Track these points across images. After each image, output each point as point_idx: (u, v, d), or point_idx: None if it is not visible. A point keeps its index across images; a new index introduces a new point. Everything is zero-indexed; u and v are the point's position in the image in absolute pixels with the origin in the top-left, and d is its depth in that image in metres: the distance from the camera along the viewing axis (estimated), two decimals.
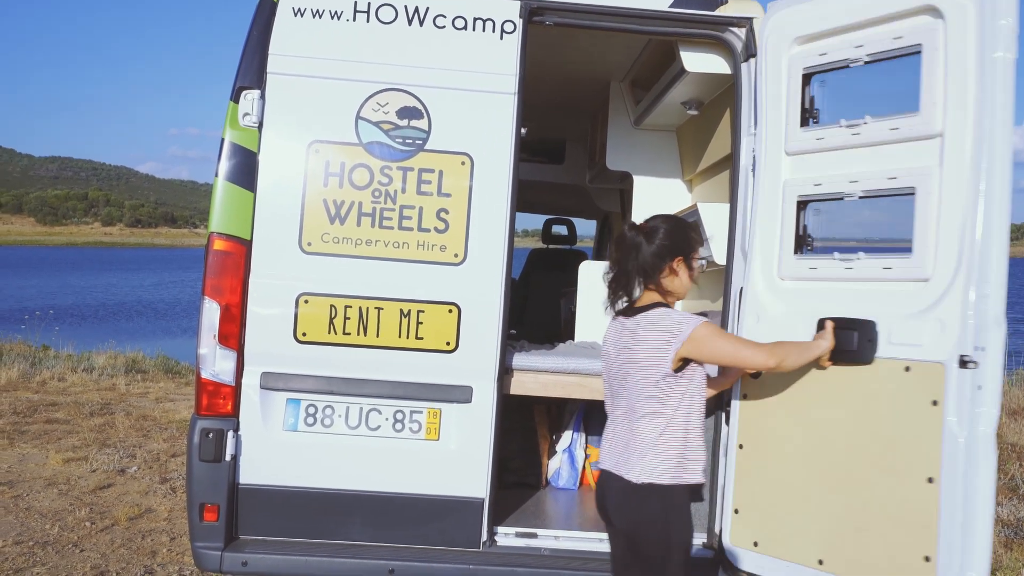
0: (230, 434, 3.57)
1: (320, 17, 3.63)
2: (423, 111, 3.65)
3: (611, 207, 7.50)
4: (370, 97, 3.63)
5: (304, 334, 3.60)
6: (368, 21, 3.65)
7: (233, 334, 3.57)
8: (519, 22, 3.69)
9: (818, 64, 3.37)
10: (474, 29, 3.67)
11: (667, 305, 3.08)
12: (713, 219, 4.21)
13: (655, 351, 2.96)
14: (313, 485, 3.64)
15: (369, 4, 3.66)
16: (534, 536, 3.84)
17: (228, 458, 3.56)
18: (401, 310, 3.62)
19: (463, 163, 3.65)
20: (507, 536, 3.80)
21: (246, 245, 3.58)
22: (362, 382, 3.65)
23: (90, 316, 31.86)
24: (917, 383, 3.00)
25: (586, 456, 5.02)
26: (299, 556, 3.57)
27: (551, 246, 8.37)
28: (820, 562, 3.21)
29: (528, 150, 6.58)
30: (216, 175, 3.60)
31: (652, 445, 2.95)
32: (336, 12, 3.64)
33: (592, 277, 5.53)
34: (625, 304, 3.11)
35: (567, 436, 4.98)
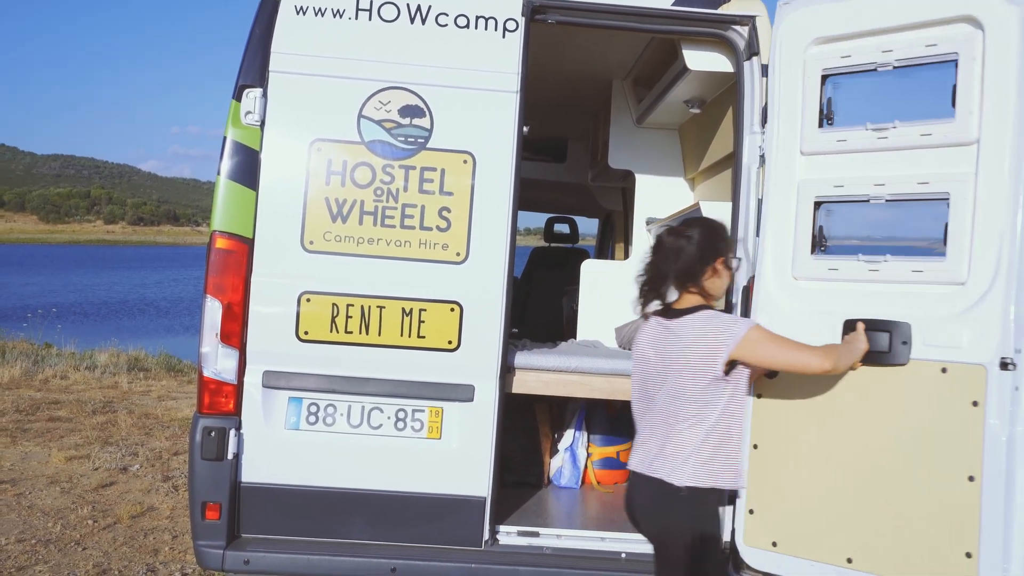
0: (232, 432, 3.57)
1: (322, 15, 3.63)
2: (425, 109, 3.64)
3: (613, 205, 7.50)
4: (372, 95, 3.63)
5: (306, 333, 3.60)
6: (370, 19, 3.65)
7: (235, 332, 3.57)
8: (521, 20, 3.68)
9: (840, 66, 3.37)
10: (476, 27, 3.67)
11: (711, 307, 3.06)
12: (715, 217, 4.20)
13: (705, 353, 2.93)
14: (315, 484, 3.64)
15: (371, 2, 3.65)
16: (536, 535, 3.84)
17: (230, 457, 3.56)
18: (403, 309, 3.62)
19: (465, 161, 3.65)
20: (509, 535, 3.80)
21: (248, 243, 3.58)
22: (364, 381, 3.65)
23: (92, 314, 31.89)
24: (956, 385, 3.07)
25: (588, 455, 5.02)
26: (301, 555, 3.57)
27: (553, 244, 8.37)
28: (849, 560, 3.23)
29: (530, 148, 6.58)
30: (218, 173, 3.60)
31: (696, 449, 2.93)
32: (338, 10, 3.63)
33: (594, 276, 5.53)
34: (658, 306, 3.10)
35: (569, 435, 4.98)
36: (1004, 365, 2.97)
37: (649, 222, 5.61)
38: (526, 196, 4.38)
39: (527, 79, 3.69)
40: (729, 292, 3.72)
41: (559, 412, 5.17)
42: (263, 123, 3.59)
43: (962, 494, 3.02)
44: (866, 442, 3.25)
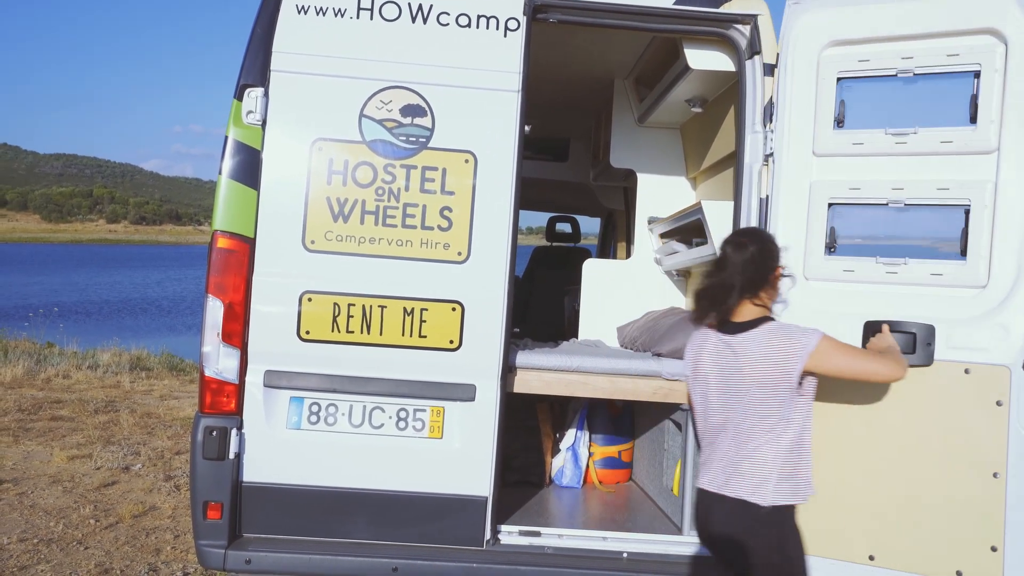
0: (234, 432, 3.57)
1: (324, 15, 3.63)
2: (427, 109, 3.64)
3: (615, 205, 7.50)
4: (374, 95, 3.63)
5: (307, 332, 3.60)
6: (372, 19, 3.65)
7: (237, 332, 3.56)
8: (523, 19, 3.68)
9: (857, 70, 3.41)
10: (478, 27, 3.66)
11: (771, 317, 3.03)
12: (717, 217, 4.20)
13: (779, 367, 2.89)
14: (316, 483, 3.64)
15: (373, 2, 3.65)
16: (537, 535, 3.83)
17: (232, 456, 3.56)
18: (404, 308, 3.62)
19: (467, 161, 3.64)
20: (510, 534, 3.80)
21: (250, 243, 3.58)
22: (365, 380, 3.65)
23: (95, 313, 31.92)
24: (980, 385, 3.19)
25: (590, 454, 5.02)
26: (302, 554, 3.57)
27: (555, 244, 8.37)
28: (871, 558, 3.26)
29: (532, 148, 6.59)
30: (220, 173, 3.60)
31: (778, 465, 2.89)
32: (340, 10, 3.63)
33: (596, 275, 5.53)
34: (715, 318, 3.04)
35: (571, 434, 4.98)
36: None
37: (651, 221, 5.61)
38: (528, 195, 4.38)
39: (528, 78, 3.68)
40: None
41: (561, 412, 5.17)
42: (264, 122, 3.59)
43: (987, 490, 3.15)
44: (889, 442, 3.30)
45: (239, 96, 3.58)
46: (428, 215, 3.64)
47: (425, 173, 3.64)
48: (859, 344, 3.34)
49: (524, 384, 4.03)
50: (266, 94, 3.58)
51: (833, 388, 3.31)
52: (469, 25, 3.66)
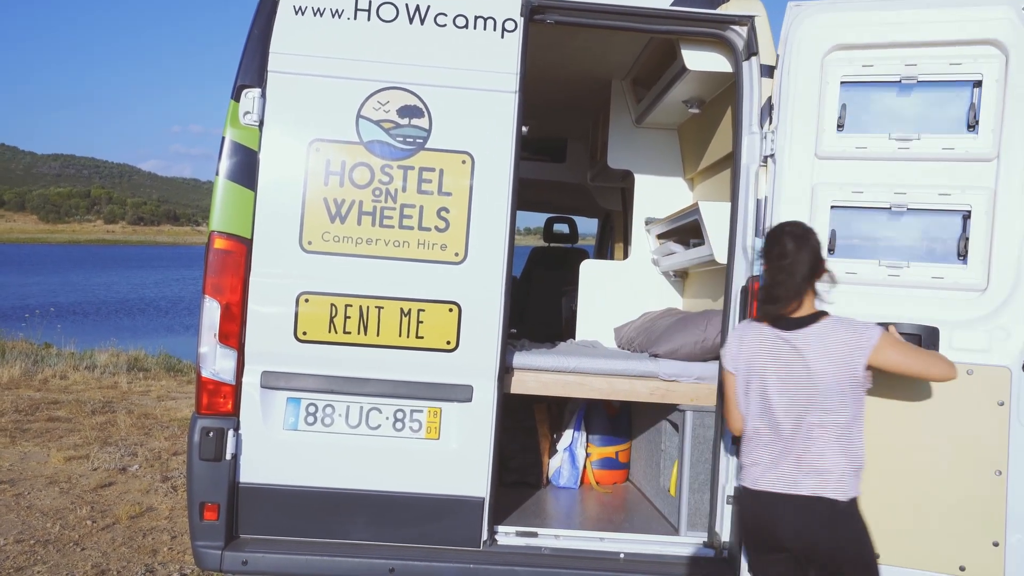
0: (230, 433, 3.56)
1: (321, 15, 3.63)
2: (424, 110, 3.64)
3: (612, 205, 7.50)
4: (371, 96, 3.63)
5: (304, 333, 3.60)
6: (369, 19, 3.64)
7: (233, 333, 3.56)
8: (520, 20, 3.68)
9: (861, 74, 3.47)
10: (475, 27, 3.66)
11: (826, 312, 3.03)
12: (714, 218, 4.21)
13: (843, 361, 2.91)
14: (313, 484, 3.63)
15: (370, 2, 3.65)
16: (534, 535, 3.83)
17: (228, 457, 3.56)
18: (401, 309, 3.62)
19: (464, 162, 3.64)
20: (507, 535, 3.80)
21: (247, 244, 3.57)
22: (362, 381, 3.65)
23: (92, 314, 31.88)
24: (982, 386, 3.30)
25: (587, 455, 5.02)
26: (299, 555, 3.57)
27: (552, 244, 8.37)
28: (876, 556, 3.27)
29: (529, 148, 6.58)
30: (217, 174, 3.60)
31: (850, 458, 2.92)
32: (337, 10, 3.63)
33: (593, 276, 5.53)
34: (775, 315, 3.03)
35: (568, 435, 4.98)
36: None
37: (648, 222, 5.61)
38: (525, 196, 4.39)
39: (526, 79, 3.69)
40: (727, 292, 3.73)
41: (558, 412, 5.17)
42: (262, 123, 3.59)
43: (990, 488, 3.26)
44: (895, 441, 3.35)
45: (236, 97, 3.58)
46: (425, 216, 3.64)
47: (422, 174, 3.64)
48: None
49: (521, 385, 4.03)
50: (263, 95, 3.58)
51: None
52: (466, 26, 3.66)
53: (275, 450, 3.63)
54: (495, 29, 3.67)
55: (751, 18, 3.72)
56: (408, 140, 3.64)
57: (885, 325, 3.29)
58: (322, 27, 3.62)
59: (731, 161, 3.84)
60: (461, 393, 3.66)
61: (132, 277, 58.18)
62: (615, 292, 5.53)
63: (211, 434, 3.55)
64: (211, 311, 3.54)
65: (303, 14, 3.62)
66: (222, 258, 3.56)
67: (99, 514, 6.03)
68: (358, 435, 3.67)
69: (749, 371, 3.09)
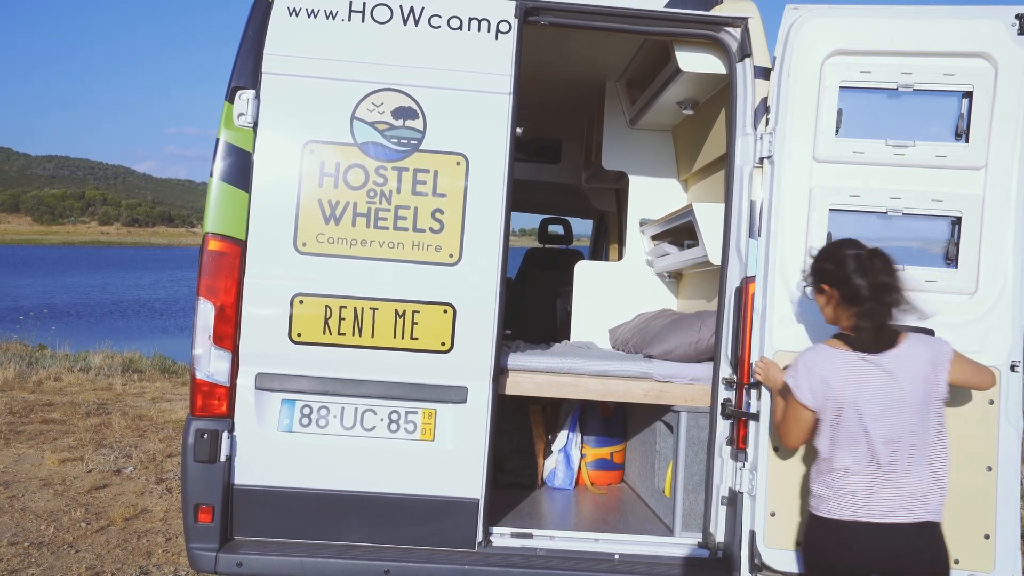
0: (225, 435, 3.56)
1: (315, 17, 3.63)
2: (418, 111, 3.64)
3: (607, 207, 7.51)
4: (365, 97, 3.63)
5: (299, 334, 3.60)
6: (363, 21, 3.65)
7: (228, 334, 3.56)
8: (514, 22, 3.68)
9: (859, 80, 3.53)
10: (469, 29, 3.67)
11: (901, 330, 2.97)
12: (708, 219, 4.21)
13: (931, 378, 2.90)
14: (308, 486, 3.63)
15: (364, 4, 3.65)
16: (529, 536, 3.83)
17: (223, 459, 3.56)
18: (396, 310, 3.62)
19: (458, 163, 3.64)
20: (502, 536, 3.80)
21: (241, 245, 3.57)
22: (357, 383, 3.65)
23: (87, 315, 31.81)
24: None
25: (581, 456, 5.03)
26: (294, 557, 3.56)
27: (547, 246, 8.38)
28: None
29: (524, 150, 6.59)
30: (211, 175, 3.59)
31: (946, 476, 2.90)
32: (331, 12, 3.63)
33: (588, 277, 5.54)
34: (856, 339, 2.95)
35: (563, 436, 4.98)
36: (1013, 367, 3.41)
37: (643, 223, 5.62)
38: (520, 197, 4.38)
39: (520, 81, 3.69)
40: (721, 293, 3.73)
41: (553, 413, 5.17)
42: (256, 125, 3.59)
43: (982, 484, 3.41)
44: None
45: (230, 98, 3.58)
46: (420, 217, 3.64)
47: (417, 175, 3.65)
48: None
49: (516, 386, 4.04)
50: (257, 96, 3.58)
51: None
52: (461, 28, 3.67)
53: (270, 452, 3.63)
54: (489, 31, 3.67)
55: (744, 20, 3.73)
56: (402, 141, 3.64)
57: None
58: (316, 28, 3.63)
59: (725, 162, 3.85)
60: (456, 394, 3.66)
61: (127, 278, 58.07)
62: (610, 293, 5.54)
63: (206, 436, 3.54)
64: (205, 313, 3.54)
65: (297, 15, 3.62)
66: (216, 260, 3.56)
67: (93, 516, 6.01)
68: (353, 436, 3.67)
69: (840, 404, 2.91)
